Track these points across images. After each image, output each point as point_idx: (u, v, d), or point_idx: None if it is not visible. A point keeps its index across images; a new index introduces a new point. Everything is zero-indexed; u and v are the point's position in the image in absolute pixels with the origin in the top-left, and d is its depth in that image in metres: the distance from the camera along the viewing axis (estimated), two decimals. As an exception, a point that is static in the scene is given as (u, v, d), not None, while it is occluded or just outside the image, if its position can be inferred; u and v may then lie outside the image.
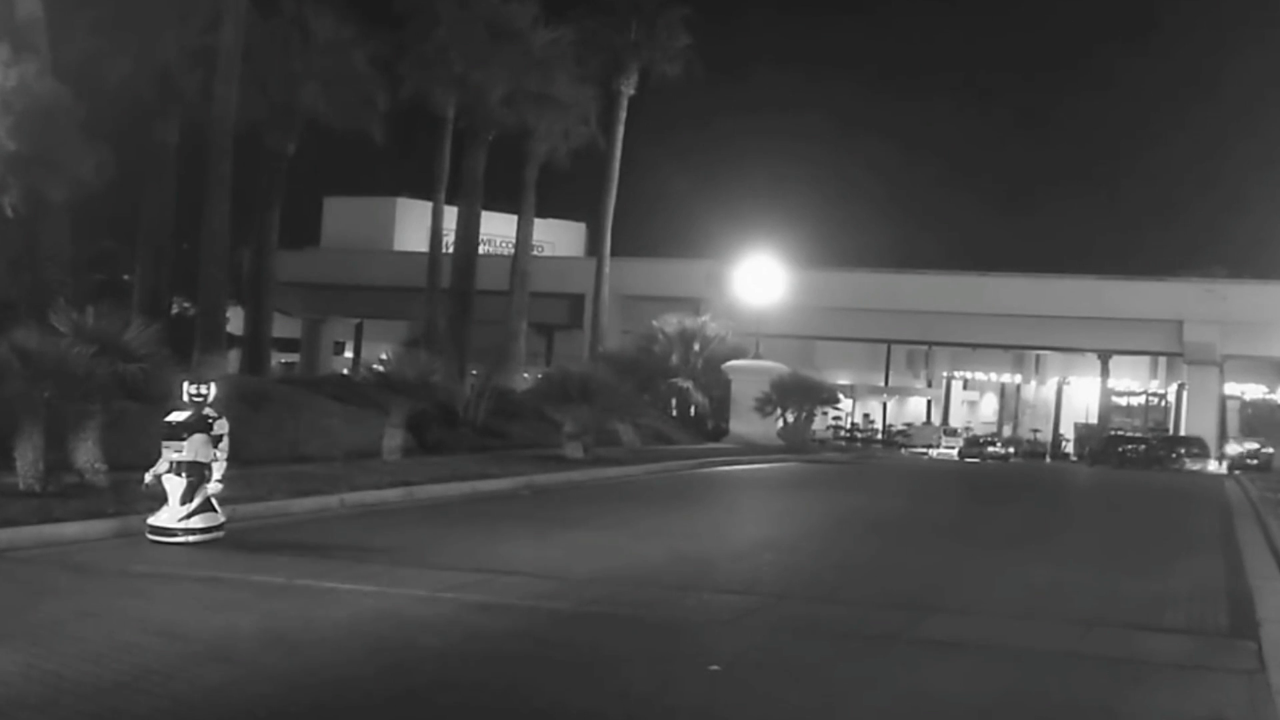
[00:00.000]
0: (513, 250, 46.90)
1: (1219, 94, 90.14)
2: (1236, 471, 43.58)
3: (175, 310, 38.88)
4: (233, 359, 36.50)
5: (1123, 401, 66.26)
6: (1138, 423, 63.54)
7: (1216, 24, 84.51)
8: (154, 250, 33.96)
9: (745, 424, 38.85)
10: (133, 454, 16.19)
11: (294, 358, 63.89)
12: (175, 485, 13.90)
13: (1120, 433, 56.76)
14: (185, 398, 14.34)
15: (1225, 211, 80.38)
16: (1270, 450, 49.23)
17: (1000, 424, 72.00)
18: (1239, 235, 75.83)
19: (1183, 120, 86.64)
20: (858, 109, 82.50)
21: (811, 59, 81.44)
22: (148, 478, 14.11)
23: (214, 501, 14.14)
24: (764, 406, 38.42)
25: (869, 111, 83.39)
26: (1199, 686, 9.38)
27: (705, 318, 44.67)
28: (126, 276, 38.82)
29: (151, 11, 30.41)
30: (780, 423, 39.13)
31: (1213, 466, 47.65)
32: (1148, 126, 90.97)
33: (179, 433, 14.02)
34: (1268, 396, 62.68)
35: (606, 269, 49.32)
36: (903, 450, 55.99)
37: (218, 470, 14.10)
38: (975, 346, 63.58)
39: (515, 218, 46.65)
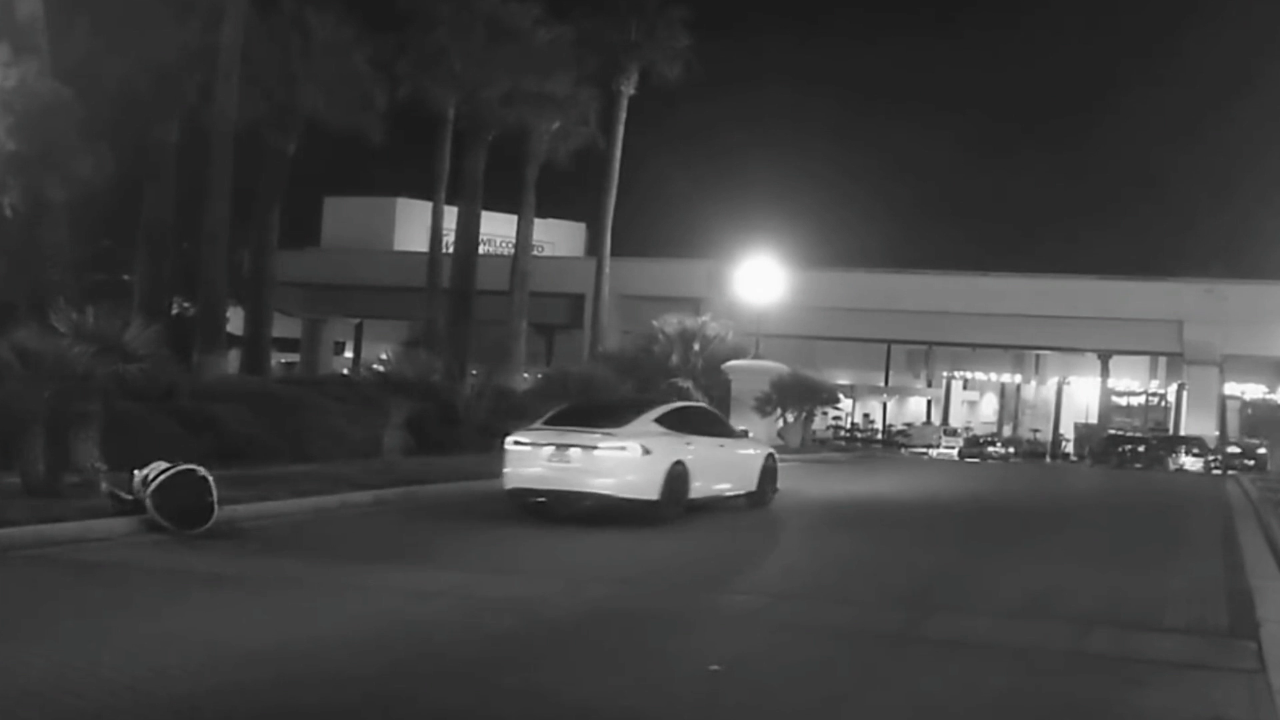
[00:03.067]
0: (513, 250, 46.87)
1: (1220, 95, 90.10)
2: (1231, 471, 43.63)
3: (175, 310, 38.83)
4: (233, 359, 36.48)
5: (1123, 401, 66.17)
6: (1138, 423, 63.44)
7: (1218, 25, 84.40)
8: (154, 250, 33.93)
9: (745, 424, 38.69)
10: (133, 454, 16.20)
11: (294, 358, 63.83)
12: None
13: (1120, 433, 56.69)
14: None
15: (1226, 212, 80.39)
16: (1264, 450, 49.22)
17: (1000, 424, 71.90)
18: (1239, 236, 75.74)
19: (1184, 122, 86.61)
20: (859, 110, 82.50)
21: (812, 59, 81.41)
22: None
23: None
24: (764, 406, 38.41)
25: (870, 112, 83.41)
26: (1199, 686, 9.39)
27: (705, 318, 44.59)
28: (126, 276, 38.76)
29: (151, 11, 30.39)
30: (780, 422, 39.11)
31: (1190, 465, 47.55)
32: (1149, 129, 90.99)
33: None
34: (1268, 396, 62.62)
35: (606, 269, 49.30)
36: (903, 450, 55.95)
37: None
38: (975, 346, 63.48)
39: (515, 218, 46.62)
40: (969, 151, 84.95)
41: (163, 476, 14.42)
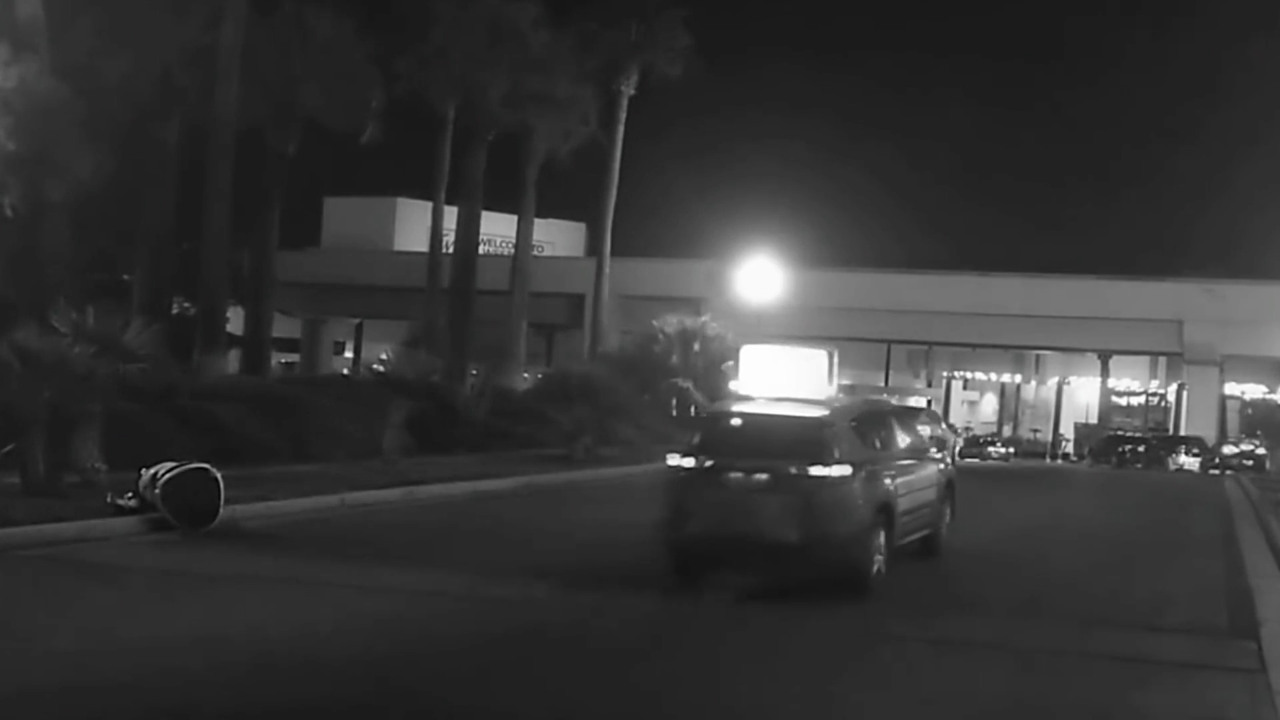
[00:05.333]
0: (513, 250, 46.87)
1: (1220, 94, 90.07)
2: (1229, 471, 43.69)
3: (175, 310, 38.77)
4: (233, 359, 36.47)
5: (1123, 401, 66.15)
6: (1138, 423, 63.43)
7: (1218, 24, 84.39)
8: (154, 250, 33.87)
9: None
10: (133, 454, 16.20)
11: (294, 358, 63.78)
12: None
13: (1120, 433, 56.69)
14: None
15: (1225, 211, 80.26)
16: (1263, 451, 49.25)
17: (1000, 424, 71.90)
18: (1239, 235, 75.60)
19: (1184, 120, 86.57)
20: (860, 109, 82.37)
21: (813, 58, 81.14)
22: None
23: None
24: (764, 406, 38.39)
25: (871, 112, 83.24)
26: (1199, 686, 9.40)
27: (705, 318, 44.60)
28: (126, 276, 38.71)
29: (151, 11, 30.38)
30: (780, 423, 39.08)
31: (1189, 464, 47.66)
32: (1148, 127, 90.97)
33: None
34: (1268, 396, 62.61)
35: (606, 269, 49.28)
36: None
37: None
38: (975, 346, 63.47)
39: (515, 218, 46.59)
40: (968, 151, 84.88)
41: (172, 474, 14.42)
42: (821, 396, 13.88)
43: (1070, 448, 61.94)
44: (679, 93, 49.34)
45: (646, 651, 10.07)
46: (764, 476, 12.53)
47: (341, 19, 37.75)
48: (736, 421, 13.74)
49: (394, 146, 40.82)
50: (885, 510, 13.22)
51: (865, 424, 14.14)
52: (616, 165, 48.30)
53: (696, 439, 13.28)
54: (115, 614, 10.39)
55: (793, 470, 12.50)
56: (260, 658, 9.01)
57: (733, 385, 14.30)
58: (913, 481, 14.46)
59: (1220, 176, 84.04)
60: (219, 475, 14.76)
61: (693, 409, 42.21)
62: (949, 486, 16.11)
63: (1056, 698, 9.06)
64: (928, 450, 16.33)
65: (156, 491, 14.37)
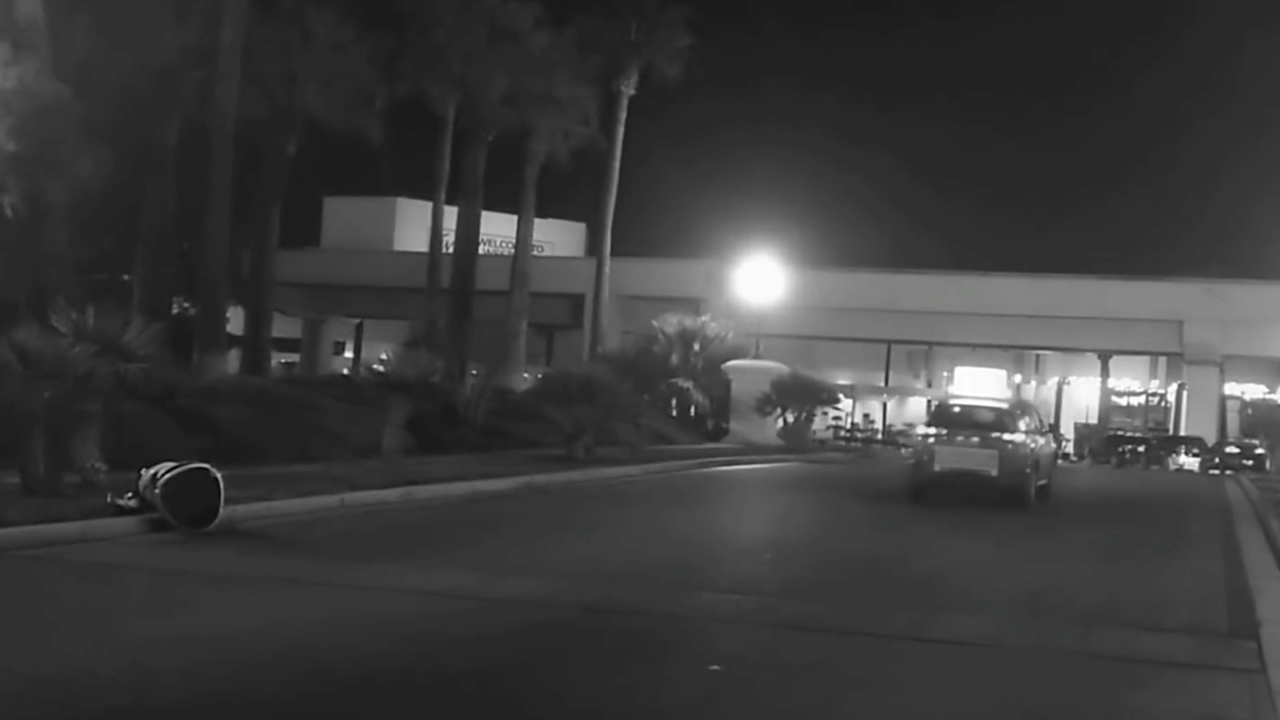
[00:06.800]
0: (513, 250, 46.88)
1: (1220, 93, 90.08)
2: (1229, 471, 43.71)
3: (175, 310, 38.78)
4: (233, 359, 36.47)
5: (1123, 401, 66.11)
6: (1138, 423, 63.38)
7: (1217, 23, 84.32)
8: (154, 250, 33.87)
9: (745, 424, 38.85)
10: (133, 454, 16.20)
11: (294, 358, 63.74)
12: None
13: (1120, 433, 56.68)
14: None
15: (1225, 211, 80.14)
16: (1262, 451, 49.26)
17: (1000, 424, 71.82)
18: (1239, 235, 75.57)
19: (1183, 120, 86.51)
20: (860, 109, 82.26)
21: (813, 58, 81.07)
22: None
23: None
24: (764, 406, 38.42)
25: (869, 112, 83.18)
26: (1199, 686, 9.39)
27: (705, 318, 44.61)
28: (126, 276, 38.69)
29: (151, 11, 30.38)
30: (780, 423, 39.11)
31: (1190, 464, 47.74)
32: (1148, 127, 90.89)
33: None
34: (1268, 396, 62.56)
35: (606, 269, 49.29)
36: (903, 450, 55.92)
37: None
38: (975, 346, 63.45)
39: (515, 218, 46.59)
40: (968, 151, 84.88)
41: (172, 474, 14.41)
42: (1001, 395, 25.02)
43: (1070, 448, 61.92)
44: (679, 92, 49.38)
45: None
46: (977, 439, 22.43)
47: (341, 19, 37.77)
48: (958, 410, 24.68)
49: (394, 146, 40.84)
50: (1035, 463, 22.67)
51: (1024, 411, 24.61)
52: (616, 165, 48.33)
53: (933, 418, 24.29)
54: (115, 614, 10.39)
55: (993, 435, 22.35)
56: (260, 658, 9.01)
57: (949, 389, 24.98)
58: (1042, 447, 23.91)
59: (1221, 176, 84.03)
60: (219, 475, 14.75)
61: (692, 409, 42.26)
62: (1055, 454, 26.01)
63: (1055, 696, 9.07)
64: (1046, 429, 26.26)
65: (156, 491, 14.36)
